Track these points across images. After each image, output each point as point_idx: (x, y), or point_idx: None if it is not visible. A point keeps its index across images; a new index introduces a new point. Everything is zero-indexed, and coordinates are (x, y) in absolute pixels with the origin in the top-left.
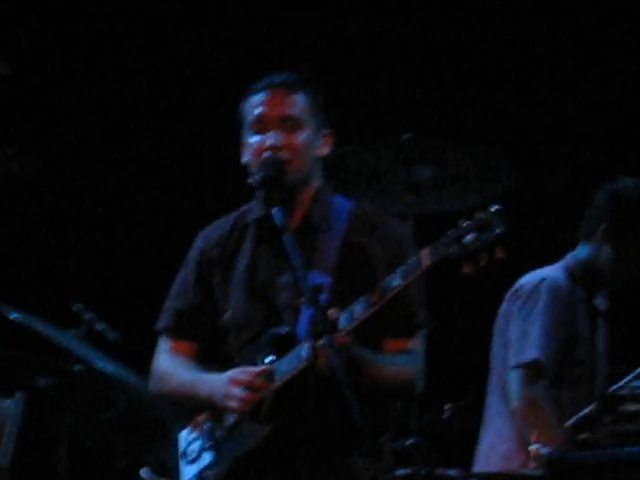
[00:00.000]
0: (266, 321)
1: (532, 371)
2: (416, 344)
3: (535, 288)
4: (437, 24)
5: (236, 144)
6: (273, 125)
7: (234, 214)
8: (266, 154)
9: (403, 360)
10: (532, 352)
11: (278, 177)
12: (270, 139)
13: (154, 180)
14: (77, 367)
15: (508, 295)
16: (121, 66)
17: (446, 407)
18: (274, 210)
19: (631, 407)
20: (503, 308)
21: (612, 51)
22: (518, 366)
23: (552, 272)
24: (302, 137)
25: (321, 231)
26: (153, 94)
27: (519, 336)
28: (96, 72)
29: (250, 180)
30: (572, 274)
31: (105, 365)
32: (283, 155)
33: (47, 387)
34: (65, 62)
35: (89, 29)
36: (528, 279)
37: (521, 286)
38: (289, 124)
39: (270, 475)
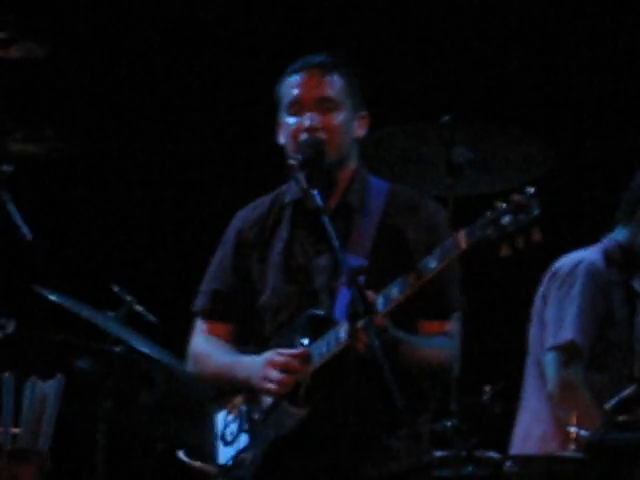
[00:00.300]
0: (303, 303)
1: (568, 353)
2: (452, 326)
3: (572, 271)
4: (477, 3)
5: (270, 125)
6: (310, 106)
7: (271, 195)
8: (304, 135)
9: (439, 342)
10: (568, 334)
11: (317, 158)
12: (308, 120)
13: (191, 162)
14: (117, 349)
15: (546, 277)
16: (155, 45)
17: (485, 389)
18: (313, 192)
19: None
20: (540, 290)
21: None
22: (554, 348)
23: (589, 255)
24: (339, 118)
25: (358, 213)
26: (187, 76)
27: (555, 318)
28: (132, 52)
29: (290, 161)
30: (610, 257)
31: (144, 347)
32: (321, 136)
33: (87, 369)
34: (101, 43)
35: (125, 9)
36: (565, 261)
37: (558, 269)
38: (326, 105)
39: (307, 457)
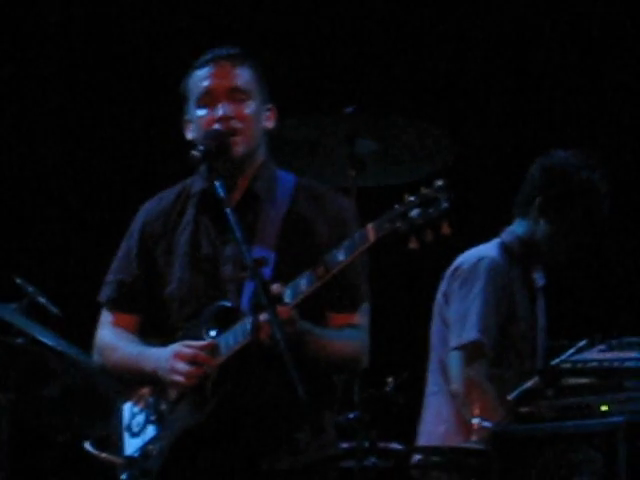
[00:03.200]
0: (209, 294)
1: (472, 352)
2: (360, 318)
3: (473, 268)
4: None
5: (177, 119)
6: (222, 97)
7: (177, 187)
8: (217, 125)
9: (347, 334)
10: (472, 333)
11: (222, 149)
12: (221, 110)
13: (95, 154)
14: (18, 340)
15: (447, 274)
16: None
17: (388, 381)
18: (216, 183)
19: (572, 381)
20: (442, 287)
21: (553, 23)
22: (458, 347)
23: (489, 250)
24: (251, 108)
25: (264, 204)
26: (95, 73)
27: (458, 317)
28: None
29: (192, 153)
30: (509, 251)
31: (47, 339)
32: (234, 125)
33: None
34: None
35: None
36: (466, 258)
37: (459, 266)
38: (238, 95)
39: (214, 449)
